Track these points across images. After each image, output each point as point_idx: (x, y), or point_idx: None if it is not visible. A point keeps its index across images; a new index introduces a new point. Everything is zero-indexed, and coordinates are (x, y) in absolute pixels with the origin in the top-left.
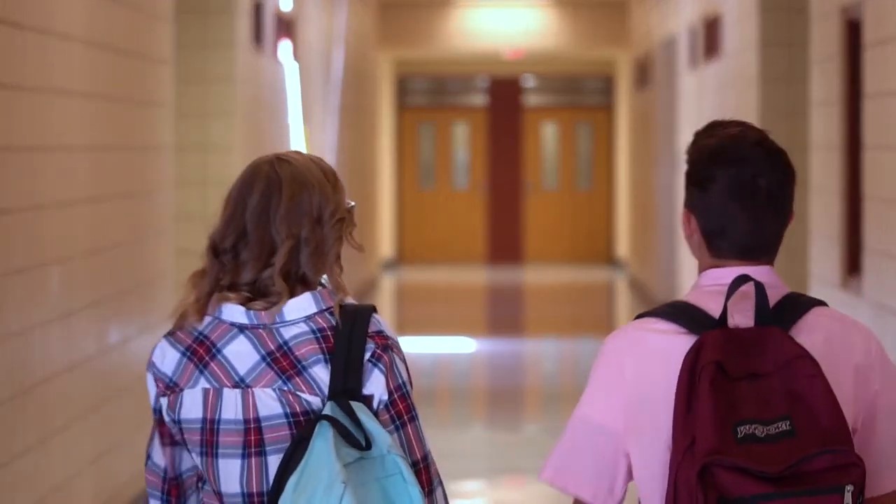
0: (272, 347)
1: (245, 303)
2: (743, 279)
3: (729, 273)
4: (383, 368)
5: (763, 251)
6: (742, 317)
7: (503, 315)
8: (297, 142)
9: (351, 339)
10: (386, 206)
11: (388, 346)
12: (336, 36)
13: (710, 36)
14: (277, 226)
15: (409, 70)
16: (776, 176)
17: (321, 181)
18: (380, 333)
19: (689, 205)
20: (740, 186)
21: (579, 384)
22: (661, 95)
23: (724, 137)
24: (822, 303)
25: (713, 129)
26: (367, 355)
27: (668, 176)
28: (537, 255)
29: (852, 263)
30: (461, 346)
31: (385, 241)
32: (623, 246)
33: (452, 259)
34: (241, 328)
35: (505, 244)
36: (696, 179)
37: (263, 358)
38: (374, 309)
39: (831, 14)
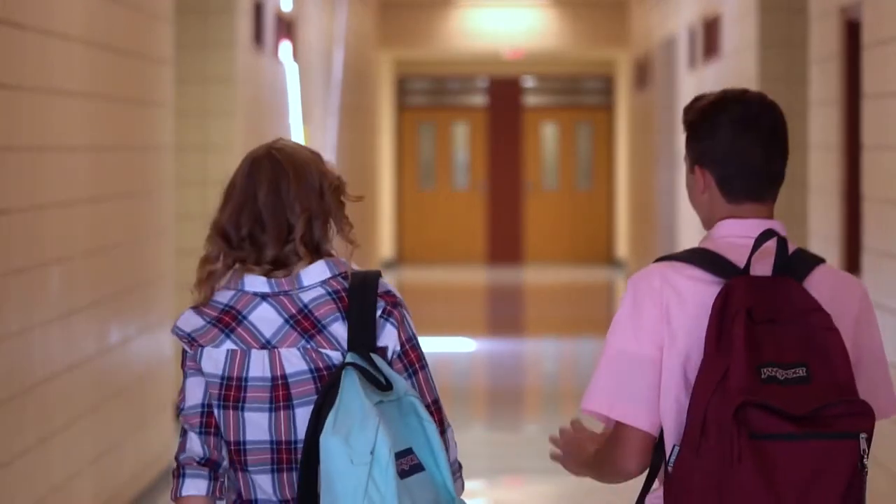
0: (293, 311)
1: (267, 274)
2: (768, 234)
3: (748, 225)
4: (395, 323)
5: (774, 187)
6: (762, 267)
7: (503, 315)
8: (299, 141)
9: (363, 298)
10: (386, 206)
11: (396, 303)
12: (336, 36)
13: (709, 36)
14: (291, 205)
15: (410, 70)
16: (774, 114)
17: (313, 159)
18: (388, 293)
19: (699, 160)
20: (747, 122)
21: (579, 384)
22: (661, 95)
23: (717, 94)
24: (823, 260)
25: (699, 98)
26: (379, 312)
27: (667, 176)
28: (537, 255)
29: (851, 263)
30: (461, 346)
31: (385, 241)
32: (623, 246)
33: (452, 259)
34: (264, 297)
35: (505, 244)
36: (703, 132)
37: (286, 321)
38: (380, 273)
39: (830, 14)
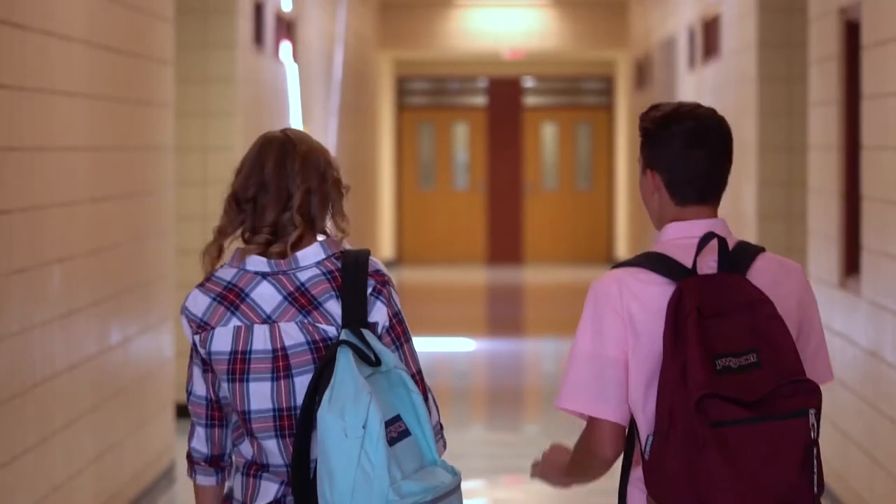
0: (291, 289)
1: (265, 251)
2: (710, 236)
3: (692, 226)
4: (384, 300)
5: (717, 191)
6: (707, 265)
7: (503, 315)
8: None
9: (355, 277)
10: (386, 206)
11: (385, 281)
12: (336, 36)
13: (708, 36)
14: (293, 177)
15: (410, 70)
16: (723, 129)
17: (321, 148)
18: (377, 272)
19: (652, 165)
20: (697, 135)
21: None
22: (661, 96)
23: (671, 106)
24: (763, 249)
25: (655, 107)
26: (370, 290)
27: None
28: (537, 255)
29: (851, 263)
30: (461, 346)
31: (385, 241)
32: (623, 246)
33: (452, 259)
34: (264, 275)
35: (505, 244)
36: (656, 140)
37: (285, 298)
38: (369, 252)
39: (830, 15)
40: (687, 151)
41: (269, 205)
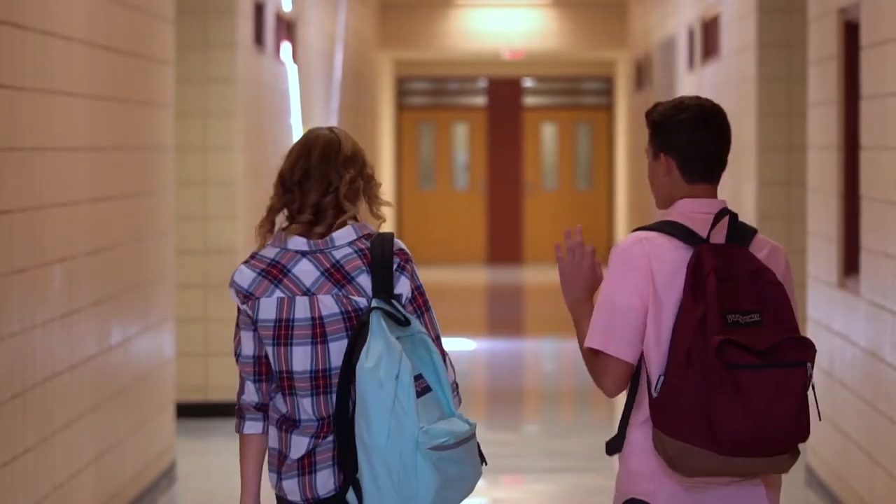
0: (328, 266)
1: (307, 231)
2: (724, 212)
3: (705, 204)
4: (407, 275)
5: (721, 169)
6: (717, 236)
7: (503, 315)
8: None
9: (382, 255)
10: (386, 207)
11: (408, 259)
12: (336, 36)
13: (708, 37)
14: (337, 167)
15: (410, 70)
16: (722, 115)
17: (361, 148)
18: (401, 251)
19: (664, 149)
20: (703, 120)
21: (579, 384)
22: (660, 96)
23: (676, 99)
24: (757, 230)
25: (659, 103)
26: (395, 266)
27: None
28: (537, 255)
29: (850, 263)
30: (461, 346)
31: None
32: None
33: (452, 259)
34: (304, 254)
35: (505, 244)
36: (667, 126)
37: (322, 273)
38: (394, 235)
39: (829, 15)
40: (695, 133)
41: (312, 189)
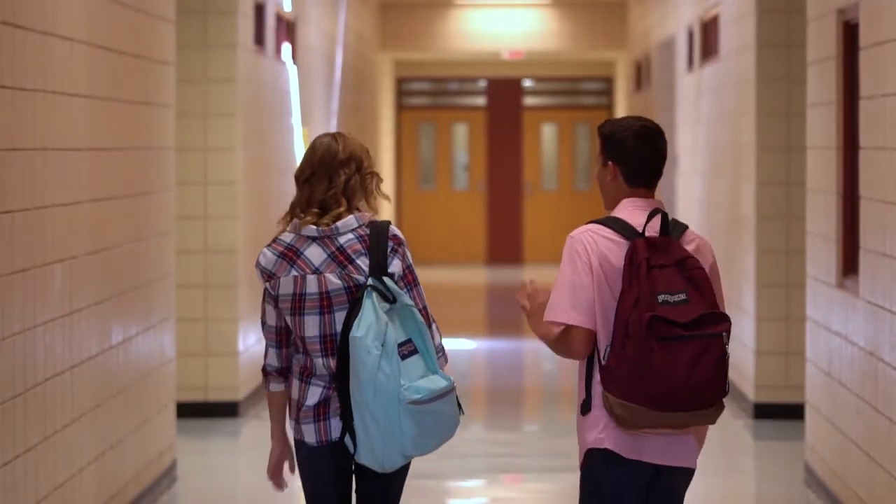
0: (333, 249)
1: (317, 221)
2: (656, 210)
3: (644, 203)
4: (399, 256)
5: (657, 177)
6: (651, 230)
7: (503, 315)
8: (298, 142)
9: (379, 240)
10: (386, 206)
11: (400, 242)
12: (336, 37)
13: (707, 37)
14: (336, 168)
15: (410, 71)
16: (660, 132)
17: (363, 148)
18: (395, 236)
19: (612, 159)
20: (645, 137)
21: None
22: (660, 96)
23: (623, 118)
24: (688, 226)
25: (609, 120)
26: (389, 249)
27: (667, 176)
28: (537, 255)
29: (849, 263)
30: (461, 345)
31: None
32: None
33: (452, 259)
34: (314, 239)
35: (505, 244)
36: (614, 140)
37: (329, 256)
38: (390, 223)
39: (828, 16)
40: (638, 147)
41: (317, 187)
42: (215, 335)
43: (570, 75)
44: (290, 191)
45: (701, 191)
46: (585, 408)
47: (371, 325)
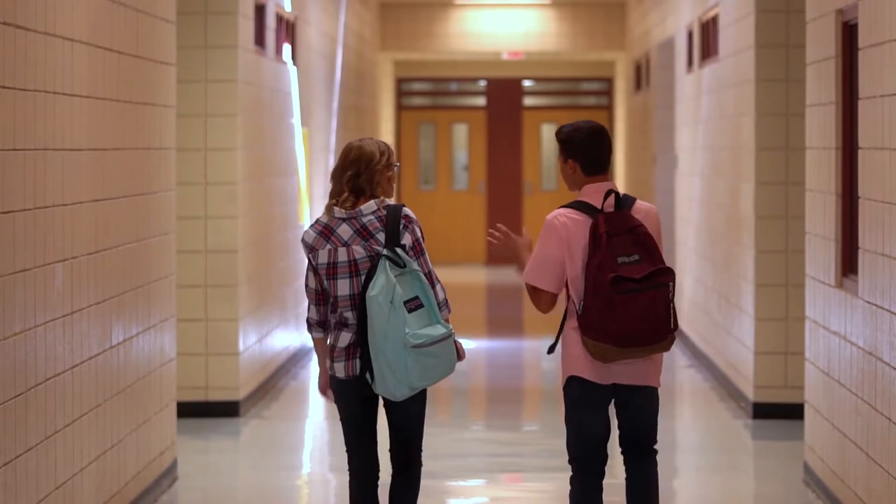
0: (358, 227)
1: (346, 206)
2: (610, 192)
3: (600, 186)
4: (409, 231)
5: (607, 166)
6: (608, 206)
7: (503, 315)
8: (299, 142)
9: (394, 219)
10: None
11: (410, 220)
12: (336, 38)
13: (707, 38)
14: (358, 166)
15: (410, 71)
16: (605, 131)
17: (380, 148)
18: (406, 216)
19: (571, 156)
20: (594, 136)
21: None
22: (659, 97)
23: (574, 123)
24: (636, 199)
25: (563, 126)
26: (401, 226)
27: (666, 176)
28: None
29: (848, 263)
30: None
31: None
32: None
33: (452, 259)
34: (343, 220)
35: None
36: (571, 143)
37: (355, 232)
38: (403, 205)
39: (827, 16)
40: (589, 145)
41: (342, 179)
42: (216, 335)
43: (569, 76)
44: (290, 191)
45: (700, 191)
46: (551, 349)
47: (383, 286)
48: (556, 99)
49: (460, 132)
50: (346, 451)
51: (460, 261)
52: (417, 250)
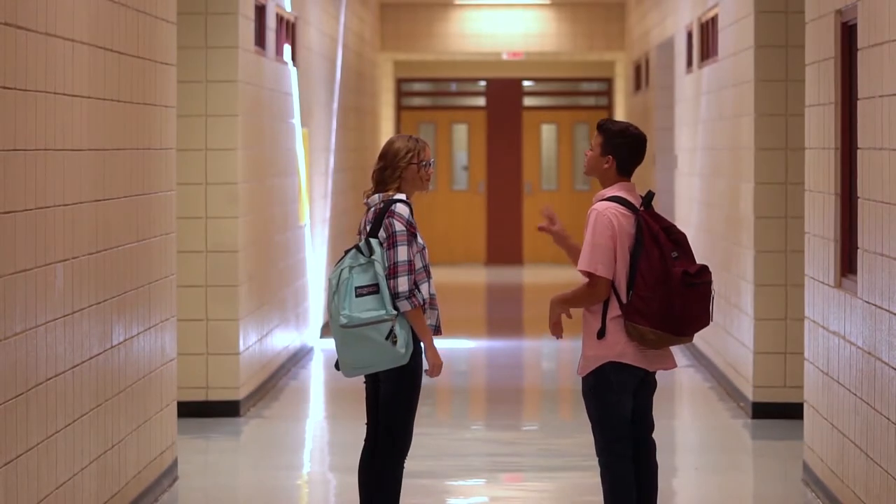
0: (368, 217)
1: (368, 195)
2: (651, 193)
3: (628, 185)
4: (386, 225)
5: (633, 171)
6: (637, 204)
7: (503, 315)
8: (299, 142)
9: (383, 211)
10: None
11: (391, 215)
12: (337, 38)
13: (706, 38)
14: (385, 160)
15: (409, 71)
16: (646, 142)
17: (406, 146)
18: (391, 211)
19: (613, 152)
20: (641, 144)
21: (577, 383)
22: (659, 97)
23: (627, 125)
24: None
25: (616, 121)
26: (385, 218)
27: (666, 176)
28: (537, 255)
29: (847, 263)
30: (460, 345)
31: None
32: None
33: (452, 259)
34: (369, 207)
35: (505, 244)
36: (615, 140)
37: (366, 221)
38: (398, 200)
39: (826, 17)
40: (631, 151)
41: (377, 174)
42: (216, 335)
43: (569, 76)
44: (290, 191)
45: (700, 191)
46: (601, 333)
47: (340, 272)
48: (555, 99)
49: (460, 132)
50: (406, 435)
51: (460, 261)
52: (390, 243)
